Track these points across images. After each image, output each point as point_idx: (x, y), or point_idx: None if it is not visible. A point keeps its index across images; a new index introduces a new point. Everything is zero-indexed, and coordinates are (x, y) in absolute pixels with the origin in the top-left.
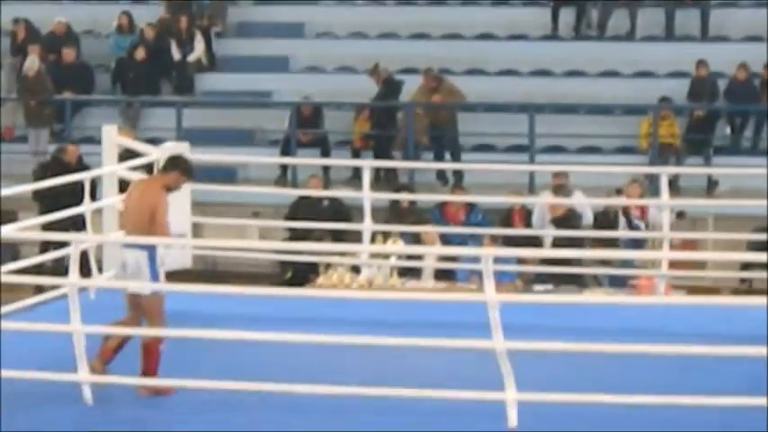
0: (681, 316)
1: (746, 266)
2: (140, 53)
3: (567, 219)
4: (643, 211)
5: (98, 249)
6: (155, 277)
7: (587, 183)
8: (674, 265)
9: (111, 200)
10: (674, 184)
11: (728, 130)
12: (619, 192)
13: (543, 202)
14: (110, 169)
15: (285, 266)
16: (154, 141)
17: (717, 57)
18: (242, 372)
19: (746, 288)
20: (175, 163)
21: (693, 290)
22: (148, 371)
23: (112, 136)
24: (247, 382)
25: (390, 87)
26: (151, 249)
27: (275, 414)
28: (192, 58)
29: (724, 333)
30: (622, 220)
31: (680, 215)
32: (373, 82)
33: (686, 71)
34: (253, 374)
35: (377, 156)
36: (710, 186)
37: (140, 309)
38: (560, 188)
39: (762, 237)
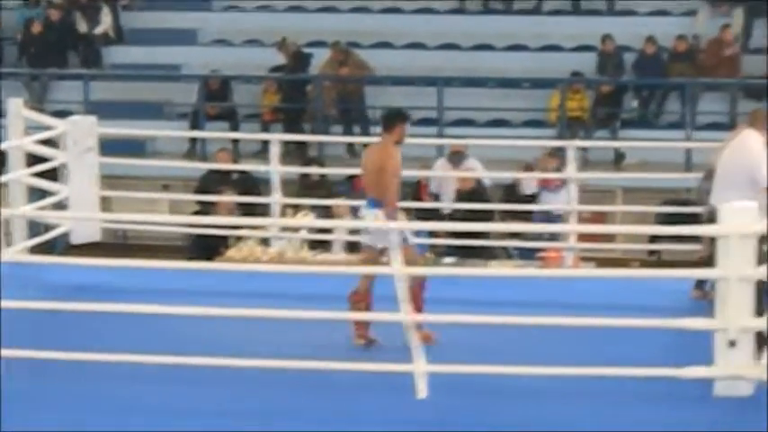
0: (590, 288)
1: (655, 239)
2: (37, 27)
3: (476, 192)
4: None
5: (6, 223)
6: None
7: (496, 156)
8: (583, 237)
9: (18, 173)
10: (582, 157)
11: (636, 104)
12: (528, 168)
13: (449, 175)
14: (16, 143)
15: (195, 239)
16: (61, 114)
17: (624, 31)
18: (152, 344)
19: (655, 260)
20: (392, 118)
21: (602, 262)
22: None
23: (18, 109)
24: (157, 355)
25: (299, 61)
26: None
27: (183, 387)
28: (98, 30)
29: (632, 305)
30: (539, 192)
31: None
32: (282, 56)
33: (593, 45)
34: (162, 347)
35: (286, 129)
36: (618, 159)
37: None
38: (457, 154)
39: (670, 209)
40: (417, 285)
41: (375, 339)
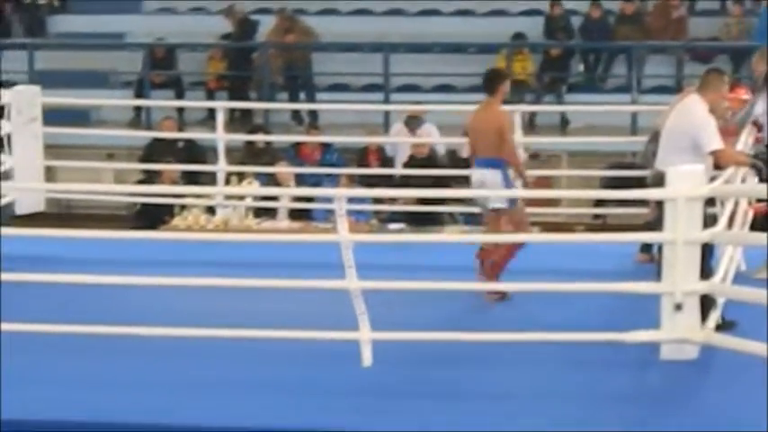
0: (535, 253)
1: (600, 203)
2: None
3: (429, 158)
4: None
5: None
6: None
7: (442, 121)
8: (528, 202)
9: None
10: (529, 121)
11: (582, 68)
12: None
13: (401, 141)
14: None
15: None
16: (5, 84)
17: None
18: (99, 315)
19: (600, 224)
20: (495, 79)
21: (548, 226)
22: (493, 276)
23: None
24: (106, 326)
25: (245, 28)
26: (503, 167)
27: (130, 358)
28: None
29: (578, 269)
30: None
31: (533, 156)
32: (228, 23)
33: (541, 9)
34: (110, 317)
35: (232, 97)
36: (564, 124)
37: (499, 224)
38: (414, 119)
39: (614, 173)
40: (508, 251)
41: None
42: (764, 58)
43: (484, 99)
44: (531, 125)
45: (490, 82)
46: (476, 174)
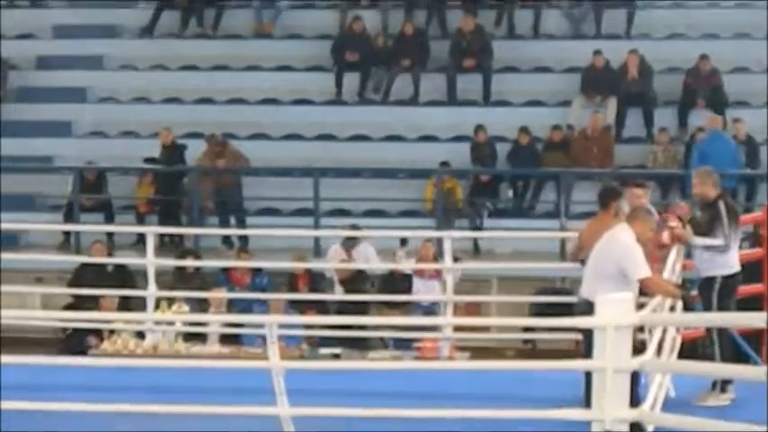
0: (465, 379)
1: (530, 328)
2: None
3: (355, 280)
4: (437, 271)
5: None
6: None
7: (373, 246)
8: (458, 327)
9: None
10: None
11: (510, 194)
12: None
13: (332, 265)
14: None
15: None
16: None
17: (499, 121)
18: None
19: (530, 349)
20: (608, 197)
21: (478, 351)
22: None
23: None
24: None
25: (173, 152)
26: None
27: None
28: None
29: (509, 395)
30: (416, 281)
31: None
32: (158, 147)
33: (468, 135)
34: None
35: (162, 221)
36: (475, 250)
37: None
38: (350, 240)
39: (543, 298)
40: None
41: None
42: (710, 179)
43: (598, 214)
44: (476, 251)
45: (604, 199)
46: None
